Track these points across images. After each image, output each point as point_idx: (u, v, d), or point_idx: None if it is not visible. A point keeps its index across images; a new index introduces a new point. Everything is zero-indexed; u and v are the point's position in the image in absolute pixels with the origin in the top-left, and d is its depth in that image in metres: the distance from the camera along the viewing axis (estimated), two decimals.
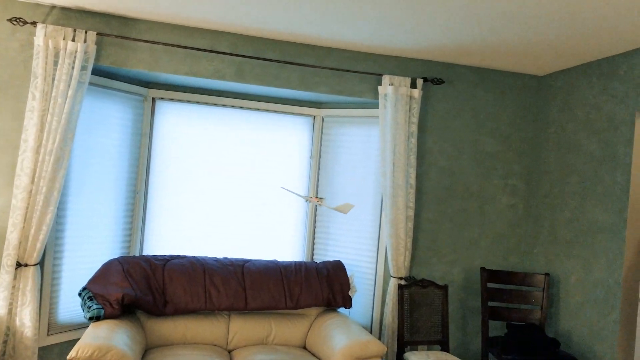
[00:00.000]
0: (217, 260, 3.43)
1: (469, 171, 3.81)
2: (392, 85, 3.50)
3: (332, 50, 3.54)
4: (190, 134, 3.70)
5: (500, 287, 3.72)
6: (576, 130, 3.53)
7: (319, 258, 3.88)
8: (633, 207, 3.08)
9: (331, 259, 3.77)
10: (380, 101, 3.53)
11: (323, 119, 3.88)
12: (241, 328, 3.32)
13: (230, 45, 3.39)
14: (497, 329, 3.87)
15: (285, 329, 3.38)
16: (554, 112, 3.77)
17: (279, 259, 3.77)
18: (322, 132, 3.88)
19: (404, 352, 3.36)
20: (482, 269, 3.61)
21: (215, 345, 3.25)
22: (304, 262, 3.56)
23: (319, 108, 3.89)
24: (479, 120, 3.81)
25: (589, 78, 3.45)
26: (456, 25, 2.90)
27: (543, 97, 3.89)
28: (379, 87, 3.53)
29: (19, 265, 3.00)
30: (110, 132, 3.43)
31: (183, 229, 3.71)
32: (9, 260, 2.96)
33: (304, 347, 3.39)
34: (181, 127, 3.69)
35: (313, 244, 3.87)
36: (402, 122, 3.51)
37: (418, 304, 3.50)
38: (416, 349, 3.56)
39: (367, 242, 3.75)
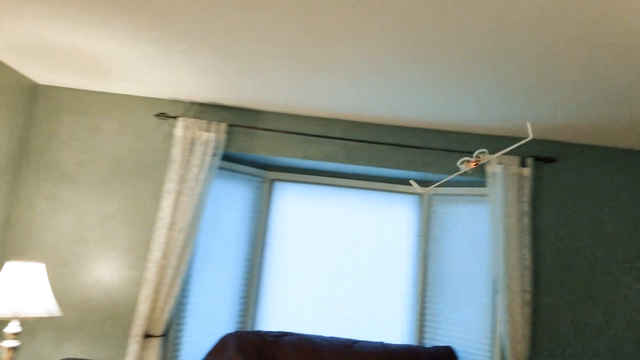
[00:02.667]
0: (325, 339, 3.44)
1: (589, 253, 3.59)
2: (500, 164, 3.51)
3: (439, 132, 3.68)
4: (303, 213, 3.91)
5: None
6: None
7: (428, 341, 3.74)
8: None
9: (441, 344, 3.61)
10: (489, 180, 3.53)
11: (431, 197, 3.93)
12: None
13: (342, 130, 3.65)
14: None
15: None
16: None
17: (386, 341, 3.68)
18: (429, 211, 3.91)
19: None
20: None
21: None
22: (413, 346, 3.45)
23: (427, 186, 3.96)
24: (596, 199, 3.65)
25: None
26: (567, 105, 2.93)
27: None
28: (487, 166, 3.56)
29: (146, 336, 3.21)
30: (232, 211, 3.73)
31: (294, 306, 3.80)
32: (139, 330, 3.18)
33: None
34: (295, 206, 3.92)
35: (422, 326, 3.75)
36: (513, 201, 3.46)
37: None
38: None
39: (480, 327, 3.57)
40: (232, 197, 3.74)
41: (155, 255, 3.28)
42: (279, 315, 3.78)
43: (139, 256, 3.39)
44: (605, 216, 3.65)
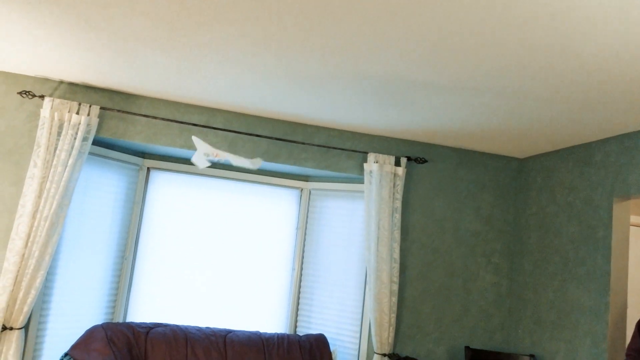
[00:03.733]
0: (199, 329, 3.45)
1: (452, 248, 3.87)
2: (377, 162, 3.65)
3: (320, 128, 3.73)
4: (181, 203, 3.84)
5: None
6: (556, 212, 3.62)
7: (302, 329, 3.88)
8: (614, 290, 3.10)
9: (314, 332, 3.77)
10: (366, 177, 3.66)
11: (310, 192, 4.01)
12: None
13: (224, 121, 3.59)
14: None
15: None
16: (534, 194, 3.87)
17: (262, 330, 3.77)
18: (308, 204, 3.99)
19: None
20: (467, 347, 3.58)
21: None
22: (287, 335, 3.57)
23: (306, 181, 4.03)
24: (461, 199, 3.92)
25: (567, 163, 3.58)
26: (439, 112, 3.08)
27: (523, 179, 4.01)
28: (365, 164, 3.68)
29: (4, 328, 3.04)
30: (104, 199, 3.57)
31: (168, 297, 3.76)
32: None
33: None
34: (173, 196, 3.83)
35: (296, 315, 3.88)
36: (387, 198, 3.62)
37: None
38: None
39: (350, 316, 3.76)
40: (104, 185, 3.58)
41: (16, 244, 3.08)
42: (153, 306, 3.74)
43: None
44: (466, 215, 3.93)
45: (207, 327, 3.50)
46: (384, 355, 3.53)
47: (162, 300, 3.75)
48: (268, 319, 3.87)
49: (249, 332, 3.53)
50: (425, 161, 3.81)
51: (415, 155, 3.85)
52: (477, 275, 3.89)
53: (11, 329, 3.05)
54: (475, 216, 3.94)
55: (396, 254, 3.62)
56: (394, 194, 3.66)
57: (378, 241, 3.60)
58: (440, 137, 3.70)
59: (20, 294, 3.06)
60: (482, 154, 3.98)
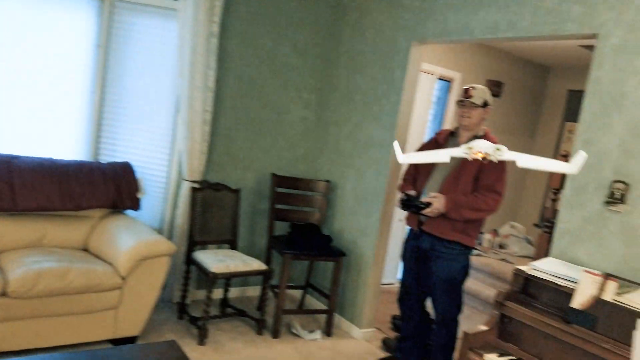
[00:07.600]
0: None
1: (267, 80, 3.90)
2: None
3: None
4: None
5: (287, 191, 4.03)
6: (364, 52, 3.86)
7: (105, 158, 3.61)
8: (399, 126, 3.57)
9: (119, 160, 3.55)
10: None
11: (114, 4, 3.44)
12: (8, 231, 2.97)
13: None
14: (283, 229, 4.23)
15: (63, 231, 3.14)
16: (347, 32, 4.03)
17: (56, 157, 3.39)
18: (111, 19, 3.45)
19: (194, 252, 3.46)
20: (273, 174, 3.84)
21: None
22: (88, 162, 3.29)
23: None
24: (279, 30, 3.87)
25: (379, 3, 3.75)
26: None
27: (340, 15, 4.10)
28: None
29: None
30: None
31: None
32: None
33: (85, 250, 3.22)
34: None
35: (97, 142, 3.56)
36: (203, 20, 3.35)
37: (210, 207, 3.59)
38: (206, 249, 3.70)
39: (159, 144, 3.62)
40: None
41: None
42: None
43: None
44: (284, 47, 3.93)
45: None
46: (194, 182, 3.57)
47: None
48: (63, 146, 3.46)
49: (40, 158, 3.14)
50: None
51: None
52: (288, 109, 4.05)
53: None
54: (292, 49, 3.96)
55: (211, 82, 3.49)
56: (211, 16, 3.39)
57: (192, 67, 3.38)
58: None
59: None
60: None
